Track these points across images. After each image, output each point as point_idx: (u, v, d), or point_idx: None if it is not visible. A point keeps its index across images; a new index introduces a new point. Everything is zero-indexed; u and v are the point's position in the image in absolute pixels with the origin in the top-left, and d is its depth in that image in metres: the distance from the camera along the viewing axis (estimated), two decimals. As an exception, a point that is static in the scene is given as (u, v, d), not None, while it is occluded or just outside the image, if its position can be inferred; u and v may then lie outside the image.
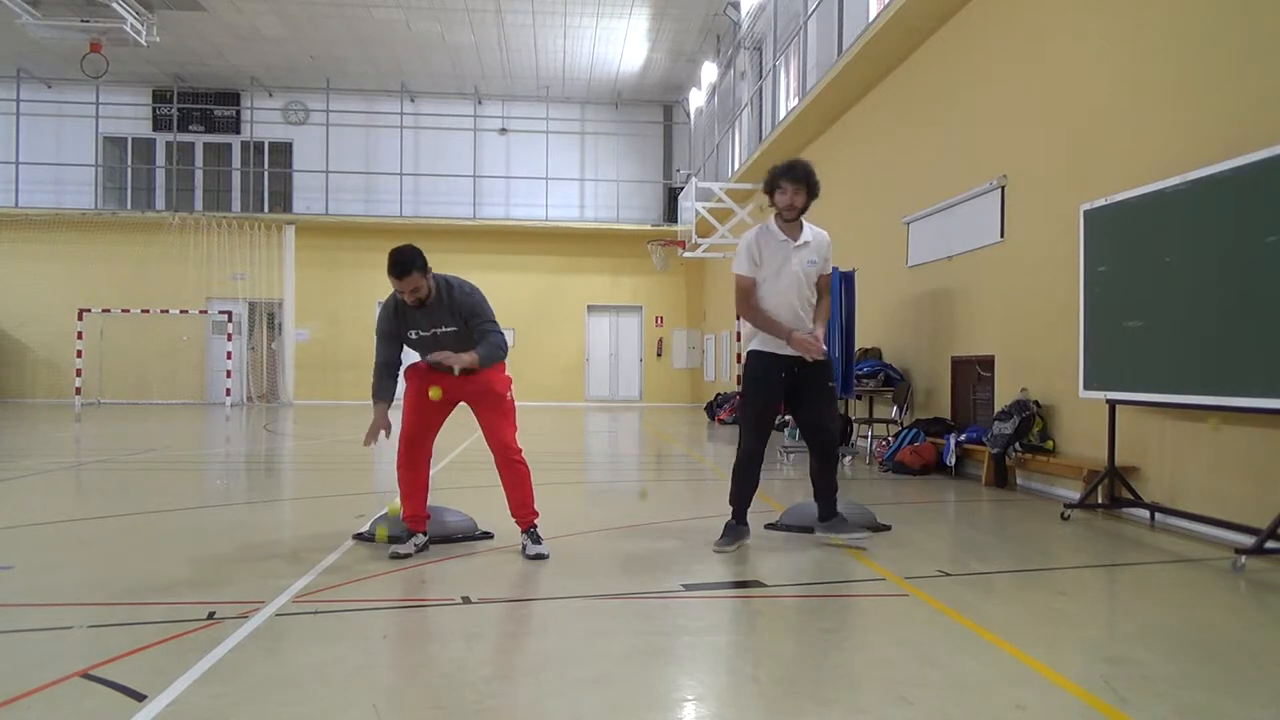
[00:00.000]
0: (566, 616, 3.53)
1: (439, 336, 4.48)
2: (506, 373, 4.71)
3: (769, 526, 5.28)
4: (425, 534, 4.62)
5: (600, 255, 22.73)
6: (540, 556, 4.42)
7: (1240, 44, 5.18)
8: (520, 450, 4.60)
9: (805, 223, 4.78)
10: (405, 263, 4.26)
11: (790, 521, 5.25)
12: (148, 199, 22.25)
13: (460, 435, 12.82)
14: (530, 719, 2.47)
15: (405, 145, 22.38)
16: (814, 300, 4.78)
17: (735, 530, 4.74)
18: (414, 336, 4.53)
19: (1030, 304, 7.34)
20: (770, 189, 4.72)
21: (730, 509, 4.78)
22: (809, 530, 5.11)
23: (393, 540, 4.59)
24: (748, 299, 4.74)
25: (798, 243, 4.71)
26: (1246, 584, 4.18)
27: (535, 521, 4.61)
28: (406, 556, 4.42)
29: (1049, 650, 3.05)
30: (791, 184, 4.63)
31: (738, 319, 4.65)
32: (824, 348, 4.68)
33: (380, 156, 22.43)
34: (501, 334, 4.53)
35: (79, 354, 19.24)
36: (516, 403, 4.69)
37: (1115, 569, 4.66)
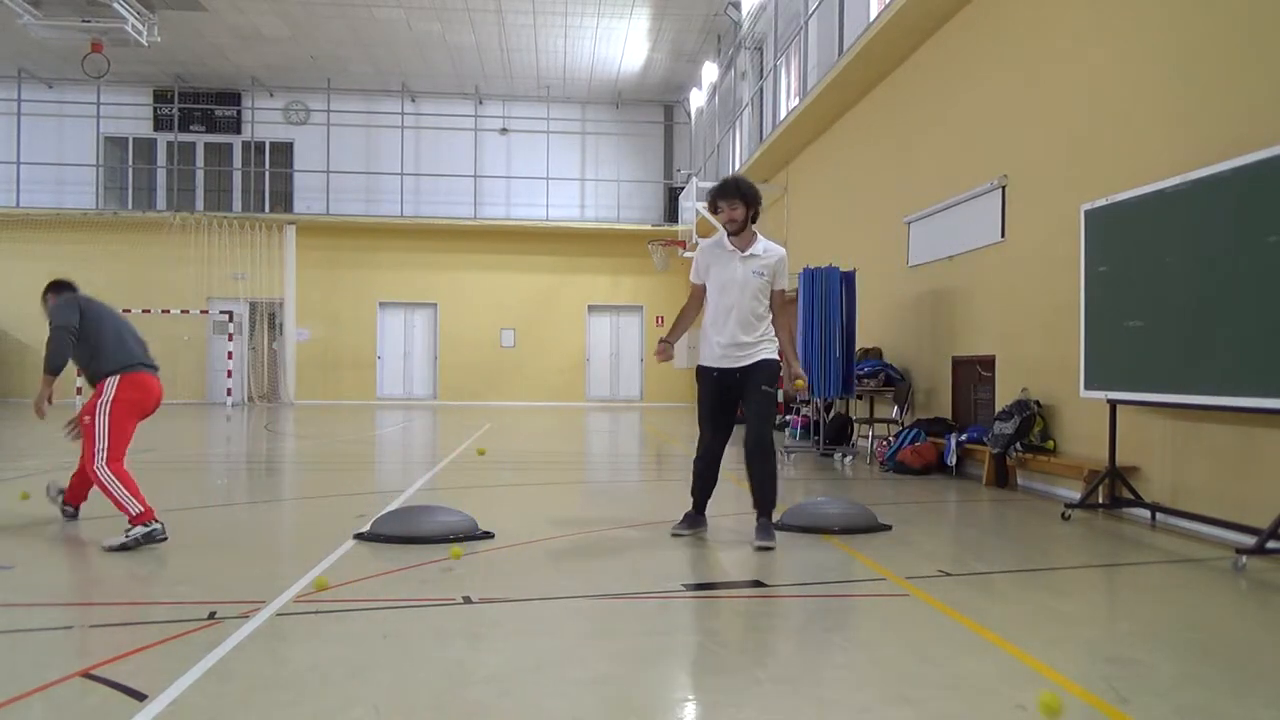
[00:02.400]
0: (566, 616, 3.54)
1: None
2: (108, 390, 4.93)
3: (769, 526, 5.28)
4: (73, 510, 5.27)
5: (601, 255, 22.71)
6: (118, 548, 4.52)
7: (1240, 44, 5.18)
8: (97, 467, 4.76)
9: (767, 241, 4.98)
10: None
11: (791, 522, 5.26)
12: (149, 199, 22.25)
13: (460, 435, 12.82)
14: (530, 719, 2.47)
15: (406, 145, 22.37)
16: (762, 314, 4.93)
17: (692, 519, 5.09)
18: None
19: (1031, 304, 7.34)
20: (712, 209, 4.97)
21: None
22: (809, 530, 5.13)
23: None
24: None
25: (745, 254, 4.90)
26: (1247, 584, 4.18)
27: (129, 523, 4.62)
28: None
29: (1049, 650, 3.05)
30: (725, 201, 4.87)
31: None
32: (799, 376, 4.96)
33: (381, 156, 22.42)
34: (55, 336, 4.97)
35: (80, 354, 19.24)
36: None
37: (1116, 569, 4.66)
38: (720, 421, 5.03)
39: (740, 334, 4.86)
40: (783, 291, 4.96)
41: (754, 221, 4.95)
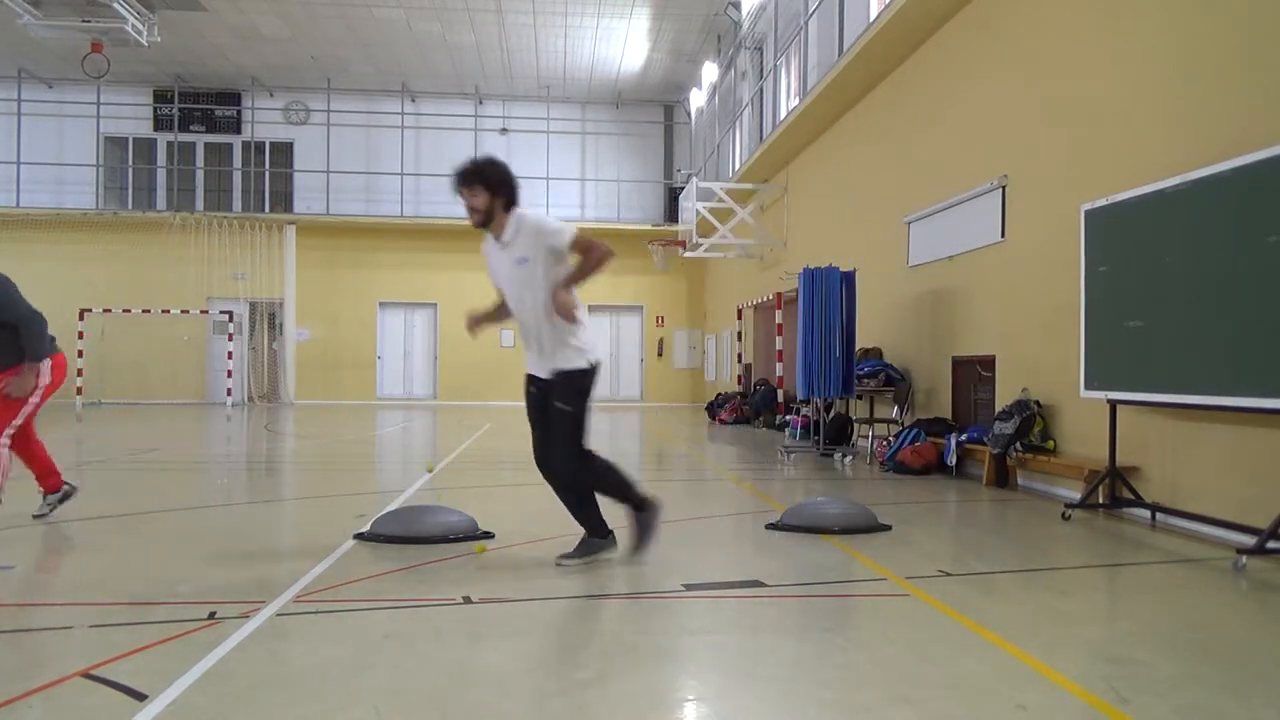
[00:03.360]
0: (566, 616, 3.54)
1: None
2: (42, 374, 5.07)
3: (769, 527, 5.28)
4: (67, 486, 5.43)
5: (601, 255, 22.69)
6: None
7: (1240, 44, 5.18)
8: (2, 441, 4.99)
9: (518, 216, 4.14)
10: None
11: (791, 522, 5.26)
12: (149, 199, 22.25)
13: (461, 435, 12.82)
14: (530, 719, 2.47)
15: (406, 145, 22.37)
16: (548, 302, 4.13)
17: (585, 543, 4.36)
18: None
19: (1031, 304, 7.34)
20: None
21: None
22: (809, 530, 5.12)
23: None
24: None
25: (503, 243, 4.18)
26: (1247, 584, 4.18)
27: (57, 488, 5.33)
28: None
29: (1049, 650, 3.05)
30: (465, 187, 4.08)
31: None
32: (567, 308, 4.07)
33: (381, 156, 22.42)
34: (35, 321, 5.04)
35: (80, 354, 19.18)
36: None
37: (1116, 569, 4.66)
38: (541, 434, 4.31)
39: (538, 335, 4.19)
40: (574, 241, 4.12)
41: (509, 209, 4.12)
